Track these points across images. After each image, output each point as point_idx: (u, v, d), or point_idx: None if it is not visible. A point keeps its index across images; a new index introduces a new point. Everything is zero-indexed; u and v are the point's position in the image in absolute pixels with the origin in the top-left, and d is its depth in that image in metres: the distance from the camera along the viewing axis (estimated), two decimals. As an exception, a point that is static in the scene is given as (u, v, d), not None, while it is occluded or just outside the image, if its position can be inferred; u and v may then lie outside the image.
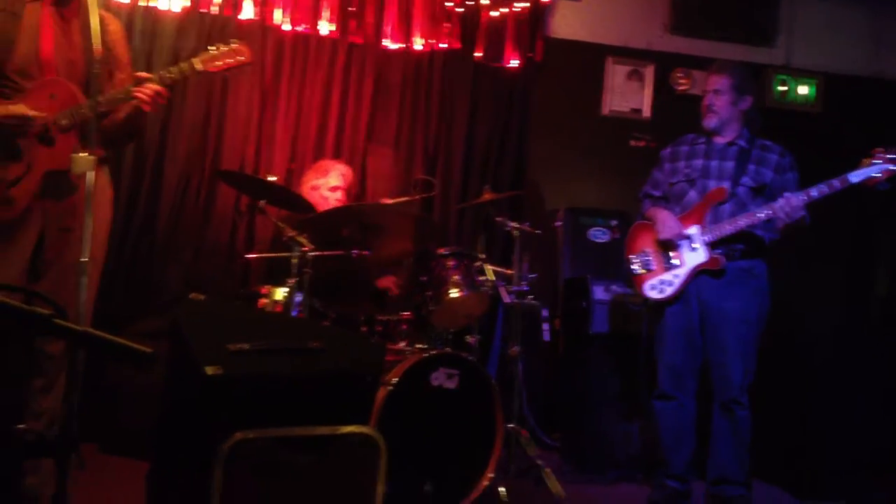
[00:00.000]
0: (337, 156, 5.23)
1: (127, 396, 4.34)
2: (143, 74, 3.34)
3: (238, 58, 3.45)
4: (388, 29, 5.36)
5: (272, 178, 4.28)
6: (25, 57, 3.27)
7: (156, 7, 4.98)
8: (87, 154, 2.87)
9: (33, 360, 3.24)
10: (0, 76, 3.25)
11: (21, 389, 3.17)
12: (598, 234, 5.46)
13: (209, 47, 3.47)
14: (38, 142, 3.25)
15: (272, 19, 5.17)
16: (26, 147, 3.23)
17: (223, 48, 3.44)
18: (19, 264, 3.30)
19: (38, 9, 3.33)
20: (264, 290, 4.22)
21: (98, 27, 2.97)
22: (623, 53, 5.90)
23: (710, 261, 3.99)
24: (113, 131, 3.41)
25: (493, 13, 5.50)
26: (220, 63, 3.43)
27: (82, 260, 2.83)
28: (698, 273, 4.03)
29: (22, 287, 3.17)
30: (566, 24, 5.79)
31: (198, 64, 3.40)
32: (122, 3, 4.92)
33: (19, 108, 3.19)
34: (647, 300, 4.20)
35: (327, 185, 4.71)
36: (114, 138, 3.48)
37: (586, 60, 5.85)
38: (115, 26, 3.64)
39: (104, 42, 3.03)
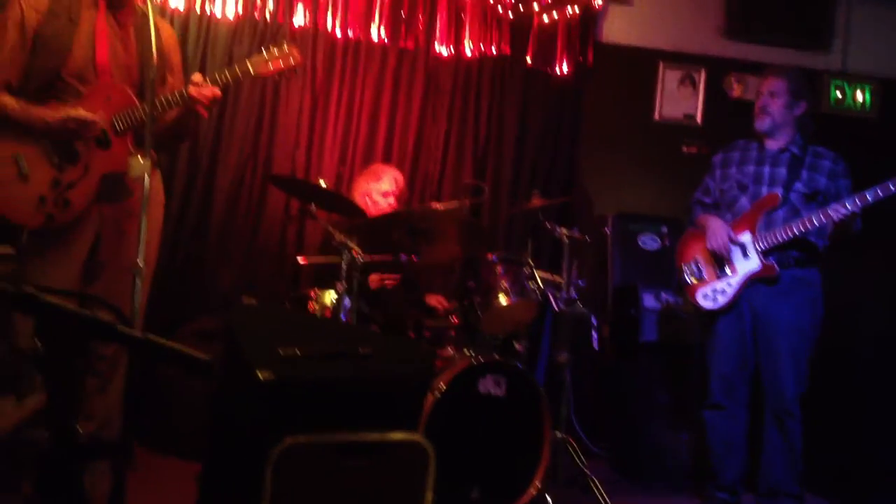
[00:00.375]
0: (387, 160, 5.25)
1: (177, 397, 4.38)
2: (198, 77, 3.38)
3: (290, 61, 3.50)
4: (438, 35, 5.37)
5: (323, 183, 4.30)
6: (82, 61, 3.33)
7: (210, 13, 5.04)
8: (143, 158, 2.92)
9: (87, 361, 3.30)
10: (58, 80, 3.31)
11: (77, 390, 3.22)
12: (648, 241, 5.40)
13: (262, 50, 3.52)
14: (95, 145, 3.30)
15: (324, 25, 5.21)
16: (83, 150, 3.29)
17: (275, 51, 3.49)
18: (76, 266, 3.36)
19: (94, 14, 3.39)
20: (313, 293, 4.24)
21: (154, 34, 3.01)
22: (675, 58, 5.83)
23: (764, 268, 3.94)
24: (163, 134, 3.45)
25: (544, 18, 5.48)
26: (272, 66, 3.48)
27: (138, 263, 2.88)
28: (752, 281, 3.98)
29: (77, 291, 3.22)
30: (617, 29, 5.74)
31: (250, 66, 3.44)
32: (177, 10, 4.99)
33: (79, 112, 3.24)
34: (698, 309, 4.15)
35: (380, 190, 4.72)
36: (164, 141, 3.53)
37: (638, 65, 5.79)
38: (168, 31, 3.70)
39: (157, 48, 3.08)
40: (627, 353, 5.09)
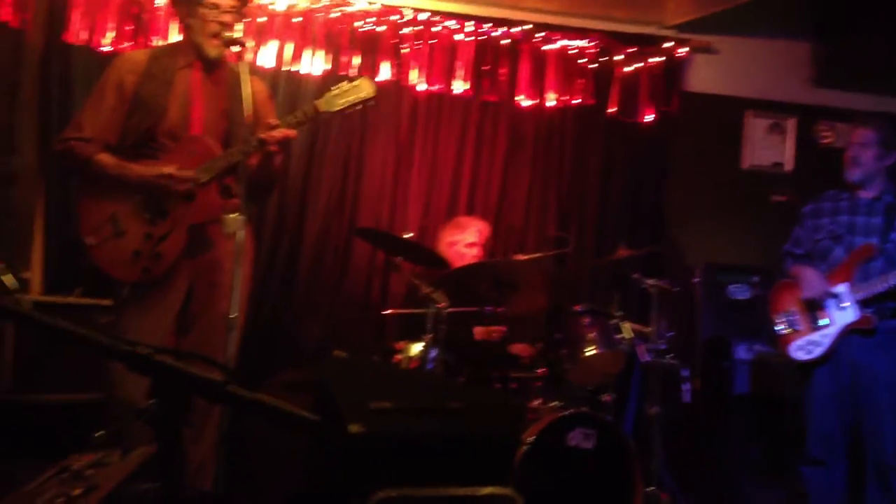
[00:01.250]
0: (470, 212, 5.27)
1: (262, 447, 4.41)
2: (273, 121, 3.44)
3: (361, 94, 3.41)
4: (521, 86, 5.40)
5: (408, 235, 4.34)
6: (176, 121, 3.44)
7: (298, 71, 5.18)
8: (237, 214, 3.00)
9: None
10: (152, 139, 3.43)
11: (178, 442, 3.27)
12: (739, 292, 5.29)
13: (332, 87, 3.46)
14: (182, 198, 3.39)
15: (408, 80, 5.30)
16: (172, 203, 3.39)
17: (345, 86, 3.42)
18: (170, 317, 3.45)
19: (189, 74, 3.51)
20: (400, 345, 4.26)
21: (250, 94, 3.11)
22: (763, 106, 5.75)
23: (862, 320, 3.82)
24: (249, 181, 3.47)
25: (627, 68, 5.48)
26: (343, 101, 3.40)
27: (231, 316, 2.93)
28: (848, 333, 3.86)
29: (172, 349, 3.29)
30: (703, 78, 5.69)
31: (321, 105, 3.41)
32: (266, 68, 5.13)
33: (170, 168, 3.35)
34: (792, 361, 4.04)
35: (465, 241, 4.73)
36: (251, 189, 3.55)
37: (724, 114, 5.73)
38: (260, 87, 3.78)
39: (252, 105, 3.16)
40: (719, 407, 4.97)
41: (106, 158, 3.38)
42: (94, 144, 3.39)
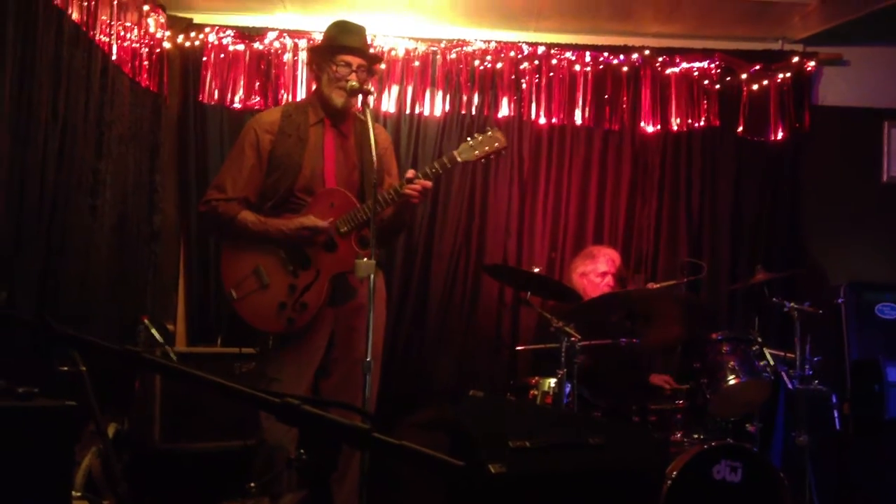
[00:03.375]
0: (598, 243, 5.20)
1: (404, 487, 4.44)
2: (410, 172, 3.51)
3: (494, 144, 3.55)
4: (643, 112, 5.34)
5: (536, 269, 4.32)
6: (311, 177, 3.56)
7: (419, 112, 5.27)
8: (367, 259, 3.06)
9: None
10: (291, 195, 3.55)
11: (326, 488, 3.33)
12: (887, 311, 5.03)
13: (467, 138, 3.60)
14: (323, 249, 3.49)
15: (528, 114, 5.31)
16: (314, 254, 3.49)
17: (479, 137, 3.56)
18: (314, 365, 3.54)
19: (321, 131, 3.62)
20: (533, 380, 4.23)
21: (373, 142, 3.18)
22: (901, 116, 5.50)
23: None
24: (381, 229, 3.54)
25: (754, 87, 5.34)
26: (478, 152, 3.54)
27: (368, 360, 2.98)
28: None
29: (315, 398, 3.36)
30: (835, 91, 5.48)
31: (458, 155, 3.53)
32: (388, 112, 5.24)
33: (310, 219, 3.46)
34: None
35: (596, 271, 4.68)
36: (383, 235, 3.63)
37: (860, 126, 5.48)
38: (384, 135, 3.89)
39: (376, 152, 3.24)
40: (872, 433, 4.71)
41: (248, 216, 3.52)
42: (237, 203, 3.53)
